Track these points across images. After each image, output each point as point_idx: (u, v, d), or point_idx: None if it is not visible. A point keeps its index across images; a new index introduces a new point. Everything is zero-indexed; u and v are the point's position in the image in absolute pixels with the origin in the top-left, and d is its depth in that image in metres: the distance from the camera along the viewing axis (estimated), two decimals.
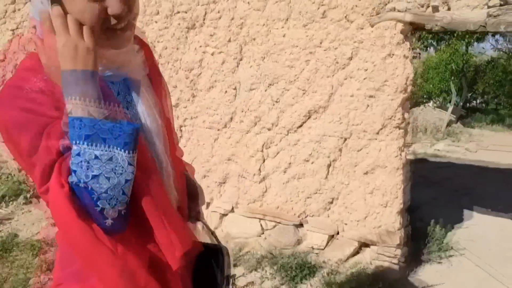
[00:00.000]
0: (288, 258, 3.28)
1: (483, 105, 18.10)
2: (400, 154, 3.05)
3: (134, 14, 0.93)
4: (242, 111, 3.42)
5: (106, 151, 0.81)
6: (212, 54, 3.46)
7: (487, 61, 15.18)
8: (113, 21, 0.88)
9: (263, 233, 3.61)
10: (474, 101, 17.80)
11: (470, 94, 16.22)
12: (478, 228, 4.49)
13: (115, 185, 0.81)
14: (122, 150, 0.82)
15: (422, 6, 2.77)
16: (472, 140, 9.40)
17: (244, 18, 3.25)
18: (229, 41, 3.36)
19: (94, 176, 0.80)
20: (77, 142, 0.80)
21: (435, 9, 2.75)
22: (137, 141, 0.85)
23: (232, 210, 3.70)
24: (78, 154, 0.80)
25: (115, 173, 0.81)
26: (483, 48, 16.19)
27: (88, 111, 0.81)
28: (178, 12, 3.51)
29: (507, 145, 8.96)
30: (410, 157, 8.08)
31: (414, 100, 15.14)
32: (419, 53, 13.59)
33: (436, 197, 5.66)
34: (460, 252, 3.84)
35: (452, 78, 12.90)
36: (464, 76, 14.05)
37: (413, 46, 9.93)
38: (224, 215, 3.75)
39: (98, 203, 0.81)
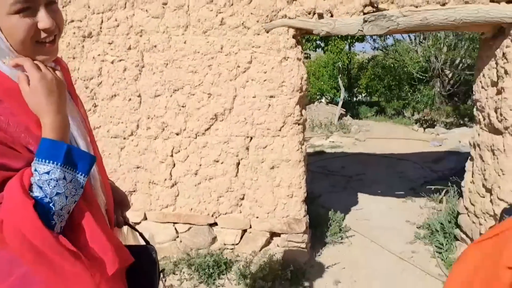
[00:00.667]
0: (205, 257, 3.40)
1: (368, 98, 19.94)
2: (301, 148, 3.34)
3: (61, 29, 1.00)
4: (148, 118, 3.44)
5: (73, 173, 0.91)
6: (112, 63, 3.42)
7: (368, 58, 16.77)
8: (43, 35, 0.96)
9: (178, 236, 3.67)
10: (360, 95, 19.53)
11: (356, 89, 17.81)
12: (369, 210, 5.03)
13: (68, 204, 0.91)
14: (83, 174, 0.94)
15: (309, 13, 3.07)
16: (361, 131, 10.39)
17: (143, 26, 3.27)
18: (129, 48, 3.35)
19: (57, 194, 0.89)
20: (51, 161, 0.88)
21: (320, 16, 3.07)
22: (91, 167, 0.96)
23: (144, 218, 3.69)
24: (47, 173, 0.87)
25: (72, 193, 0.91)
26: (363, 47, 17.81)
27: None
28: (72, 21, 3.41)
29: (389, 134, 10.08)
30: (309, 150, 8.68)
31: (309, 97, 16.19)
32: (309, 54, 14.54)
33: (334, 185, 6.19)
34: (356, 231, 4.30)
35: (340, 75, 14.04)
36: (349, 73, 15.37)
37: (304, 47, 10.59)
38: (137, 223, 3.72)
39: (54, 217, 0.89)
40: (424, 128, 10.98)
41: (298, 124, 3.29)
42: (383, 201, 5.37)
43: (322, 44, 11.31)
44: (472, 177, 3.50)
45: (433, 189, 5.27)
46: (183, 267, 3.44)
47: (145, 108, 3.43)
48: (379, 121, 12.80)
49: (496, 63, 3.06)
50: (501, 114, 2.99)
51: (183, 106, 3.36)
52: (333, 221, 4.20)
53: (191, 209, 3.55)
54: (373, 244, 4.04)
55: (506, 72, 2.92)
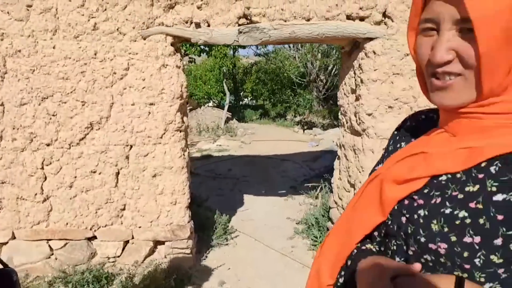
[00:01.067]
0: (83, 274, 3.22)
1: (254, 101, 20.67)
2: (183, 154, 3.37)
3: None
4: (14, 128, 3.16)
5: None
6: None
7: (251, 64, 17.41)
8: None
9: (52, 254, 3.42)
10: (246, 99, 20.17)
11: (242, 93, 18.36)
12: (254, 210, 5.26)
13: None
14: None
15: (187, 22, 3.11)
16: (246, 134, 10.76)
17: (5, 29, 2.99)
18: None
19: None
20: None
21: (198, 25, 3.14)
22: None
23: (13, 237, 3.37)
24: None
25: None
26: (247, 53, 18.37)
27: None
28: None
29: (273, 136, 10.61)
30: (197, 154, 8.72)
31: (196, 101, 16.23)
32: (194, 58, 14.59)
33: (221, 188, 6.33)
34: (241, 231, 4.47)
35: (225, 80, 14.34)
36: (235, 77, 15.78)
37: (188, 51, 10.56)
38: (3, 243, 3.38)
39: None
40: (304, 130, 11.78)
41: (180, 131, 3.31)
42: (267, 201, 5.65)
43: (207, 49, 11.46)
44: (339, 174, 3.89)
45: (310, 186, 5.71)
46: (59, 286, 3.22)
47: (10, 118, 3.14)
48: (264, 123, 13.38)
49: (354, 73, 3.45)
50: (359, 118, 3.38)
51: (53, 115, 3.15)
52: (219, 223, 4.30)
53: (67, 223, 3.34)
54: (257, 242, 4.24)
55: (362, 81, 3.31)
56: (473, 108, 0.72)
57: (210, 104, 16.63)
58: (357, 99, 3.43)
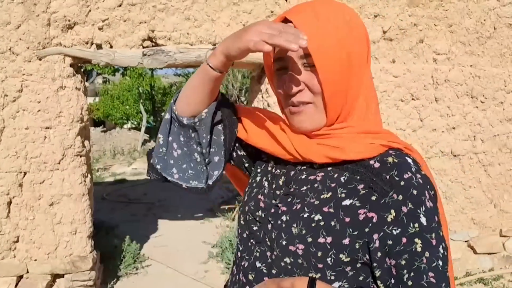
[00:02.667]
0: None
1: None
2: (84, 181, 3.19)
3: None
4: None
5: None
6: None
7: (170, 84, 17.24)
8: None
9: None
10: None
11: (162, 114, 18.05)
12: (168, 235, 5.12)
13: None
14: None
15: (87, 43, 3.00)
16: None
17: None
18: None
19: None
20: None
21: (99, 46, 3.04)
22: None
23: None
24: None
25: None
26: (165, 72, 18.16)
27: None
28: None
29: None
30: (110, 179, 8.34)
31: (113, 122, 15.62)
32: (108, 79, 14.11)
33: (134, 213, 6.08)
34: (153, 259, 4.31)
35: (142, 100, 14.00)
36: (153, 98, 15.48)
37: (102, 71, 10.18)
38: None
39: None
40: None
41: (80, 156, 3.15)
42: (183, 225, 5.53)
43: (121, 69, 11.15)
44: None
45: (226, 208, 5.71)
46: None
47: None
48: None
49: (262, 97, 3.56)
50: None
51: None
52: (128, 252, 4.11)
53: None
54: (169, 269, 4.12)
55: (268, 105, 3.42)
56: (325, 131, 0.82)
57: (129, 125, 16.11)
58: None
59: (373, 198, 0.76)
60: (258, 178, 0.97)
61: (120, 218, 5.74)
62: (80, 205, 3.14)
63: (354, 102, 0.81)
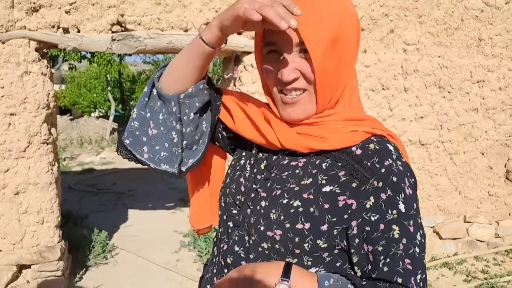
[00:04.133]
0: None
1: None
2: (52, 169, 3.09)
3: None
4: None
5: None
6: None
7: (139, 72, 16.88)
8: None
9: None
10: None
11: (132, 102, 17.67)
12: (139, 225, 5.05)
13: None
14: None
15: (53, 27, 2.89)
16: None
17: None
18: None
19: None
20: None
21: (66, 30, 2.93)
22: None
23: None
24: None
25: None
26: (134, 60, 17.79)
27: None
28: None
29: None
30: (78, 168, 8.13)
31: (81, 111, 15.19)
32: (75, 65, 13.67)
33: (104, 203, 5.96)
34: (123, 249, 4.25)
35: (110, 88, 13.65)
36: (122, 86, 15.12)
37: (68, 57, 9.83)
38: None
39: None
40: None
41: (47, 144, 3.04)
42: (153, 215, 5.47)
43: (88, 55, 10.81)
44: None
45: None
46: None
47: None
48: None
49: (234, 85, 3.53)
50: None
51: None
52: (97, 242, 4.03)
53: None
54: (140, 259, 4.07)
55: None
56: (314, 119, 0.82)
57: (96, 113, 15.70)
58: None
59: (354, 185, 0.76)
60: (242, 161, 0.96)
61: (88, 208, 5.62)
62: (47, 194, 3.05)
63: (342, 90, 0.81)
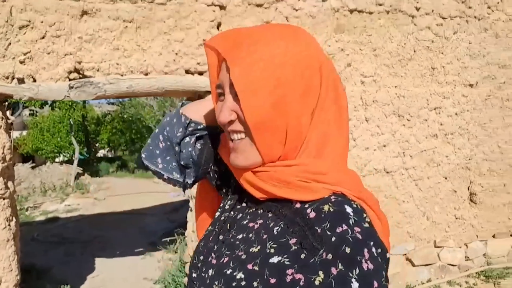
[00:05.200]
0: None
1: (112, 152, 19.64)
2: (9, 225, 2.93)
3: None
4: None
5: None
6: None
7: (104, 113, 16.65)
8: None
9: None
10: (103, 150, 19.07)
11: (97, 144, 17.31)
12: (106, 274, 4.83)
13: None
14: None
15: (7, 78, 2.81)
16: (101, 189, 10.05)
17: None
18: None
19: None
20: None
21: (21, 81, 2.86)
22: None
23: None
24: None
25: None
26: (99, 102, 17.63)
27: None
28: None
29: (130, 189, 10.11)
30: (41, 217, 7.80)
31: (44, 156, 14.72)
32: (36, 111, 13.36)
33: (69, 253, 5.70)
34: None
35: (73, 132, 13.38)
36: (86, 128, 14.84)
37: (28, 104, 9.63)
38: None
39: None
40: None
41: (3, 199, 2.90)
42: (122, 262, 5.26)
43: (49, 101, 10.58)
44: (193, 226, 3.83)
45: (168, 240, 5.50)
46: None
47: None
48: (121, 176, 12.73)
49: None
50: None
51: None
52: None
53: None
54: None
55: None
56: (264, 168, 0.74)
57: (61, 158, 15.27)
58: None
59: (302, 256, 0.65)
60: (217, 214, 0.90)
61: (53, 260, 5.35)
62: (4, 252, 2.87)
63: (297, 139, 0.72)
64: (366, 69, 3.66)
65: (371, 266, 0.61)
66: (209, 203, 1.04)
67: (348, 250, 0.61)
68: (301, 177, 0.71)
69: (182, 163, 0.94)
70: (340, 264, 0.61)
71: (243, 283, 0.67)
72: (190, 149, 0.93)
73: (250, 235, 0.74)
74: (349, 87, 3.65)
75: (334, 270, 0.61)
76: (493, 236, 4.14)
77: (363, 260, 0.61)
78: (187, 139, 0.93)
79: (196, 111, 0.93)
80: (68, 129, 14.31)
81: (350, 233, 0.63)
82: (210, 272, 0.76)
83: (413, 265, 3.84)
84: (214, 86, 0.80)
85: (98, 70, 3.02)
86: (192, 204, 3.81)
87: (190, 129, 0.92)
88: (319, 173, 0.71)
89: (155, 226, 6.83)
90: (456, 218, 4.04)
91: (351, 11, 3.56)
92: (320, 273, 0.62)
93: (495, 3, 4.02)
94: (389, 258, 0.68)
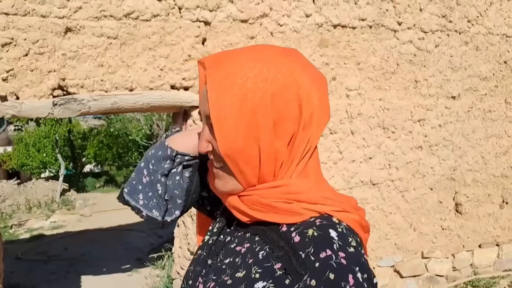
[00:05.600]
0: None
1: (99, 167, 19.41)
2: None
3: None
4: None
5: None
6: None
7: (90, 128, 16.52)
8: None
9: None
10: (89, 165, 18.84)
11: (84, 159, 17.11)
12: None
13: None
14: None
15: None
16: (87, 205, 9.90)
17: None
18: None
19: None
20: None
21: (4, 98, 2.82)
22: None
23: None
24: None
25: None
26: (85, 117, 17.50)
27: None
28: None
29: (117, 205, 9.96)
30: (26, 235, 7.65)
31: (29, 172, 14.50)
32: (22, 126, 13.20)
33: (55, 272, 5.60)
34: None
35: (59, 147, 13.22)
36: (72, 143, 14.67)
37: (12, 120, 9.53)
38: None
39: None
40: None
41: None
42: (109, 280, 5.18)
43: None
44: (180, 242, 3.79)
45: (156, 256, 5.44)
46: None
47: None
48: (108, 192, 12.58)
49: None
50: None
51: None
52: None
53: None
54: None
55: None
56: (247, 192, 0.74)
57: (46, 174, 15.05)
58: None
59: (287, 281, 0.64)
60: (206, 237, 0.88)
61: (38, 279, 5.24)
62: None
63: (272, 164, 0.71)
64: (350, 82, 3.71)
65: None
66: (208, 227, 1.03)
67: (332, 276, 0.60)
68: (284, 198, 0.70)
69: (166, 196, 0.92)
70: None
71: None
72: (177, 177, 0.92)
73: (237, 259, 0.74)
74: (335, 100, 3.69)
75: None
76: (479, 246, 4.18)
77: (347, 286, 0.59)
78: (174, 169, 0.92)
79: (182, 142, 0.92)
80: (53, 144, 14.15)
81: (334, 258, 0.61)
82: None
83: (401, 276, 3.84)
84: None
85: (82, 87, 3.00)
86: (179, 219, 3.78)
87: (177, 160, 0.92)
88: (298, 193, 0.70)
89: (142, 242, 6.75)
90: (443, 229, 4.07)
91: (335, 26, 3.61)
92: None
93: (475, 17, 4.12)
94: (376, 283, 0.66)
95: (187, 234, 3.55)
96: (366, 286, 0.61)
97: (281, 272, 0.66)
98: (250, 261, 0.71)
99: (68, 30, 2.92)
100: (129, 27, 3.05)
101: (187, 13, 3.22)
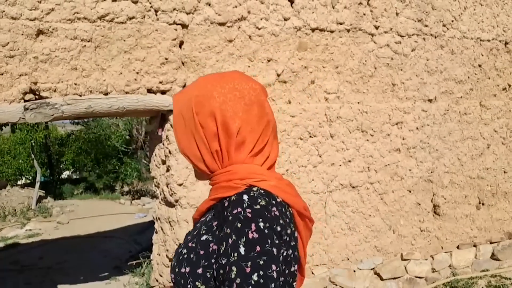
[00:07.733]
0: None
1: (78, 173, 19.00)
2: None
3: None
4: None
5: None
6: None
7: (68, 134, 16.19)
8: None
9: None
10: (68, 171, 18.42)
11: (61, 165, 16.74)
12: None
13: None
14: None
15: None
16: (64, 212, 9.68)
17: None
18: None
19: None
20: None
21: None
22: None
23: None
24: None
25: None
26: (62, 122, 17.15)
27: None
28: None
29: (95, 211, 9.78)
30: (0, 244, 7.42)
31: (4, 179, 14.10)
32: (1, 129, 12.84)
33: (29, 281, 5.42)
34: None
35: (35, 153, 12.89)
36: (49, 149, 14.34)
37: None
38: None
39: None
40: (131, 201, 11.23)
41: None
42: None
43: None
44: (158, 249, 3.72)
45: (135, 264, 5.33)
46: None
47: None
48: (86, 198, 12.33)
49: (163, 144, 3.45)
50: (171, 189, 3.34)
51: None
52: None
53: None
54: None
55: (170, 152, 3.31)
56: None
57: (23, 181, 14.67)
58: (167, 170, 3.39)
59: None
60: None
61: None
62: None
63: (212, 157, 0.97)
64: (329, 86, 3.71)
65: (256, 235, 0.82)
66: None
67: (239, 225, 0.84)
68: (227, 179, 0.95)
69: None
70: (233, 235, 0.83)
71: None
72: None
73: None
74: (313, 103, 3.69)
75: (230, 240, 0.84)
76: (458, 247, 4.23)
77: (249, 232, 0.83)
78: None
79: None
80: (29, 151, 13.79)
81: (242, 213, 0.85)
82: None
83: (382, 279, 3.85)
84: None
85: (55, 91, 2.92)
86: (157, 225, 3.71)
87: None
88: (236, 173, 0.94)
89: (120, 250, 6.61)
90: (421, 231, 4.11)
91: (313, 30, 3.61)
92: (224, 243, 0.85)
93: (450, 21, 4.19)
94: (280, 230, 0.86)
95: (166, 240, 3.49)
96: (266, 232, 0.84)
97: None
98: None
99: (40, 32, 2.85)
100: (104, 29, 2.99)
101: (164, 15, 3.17)
